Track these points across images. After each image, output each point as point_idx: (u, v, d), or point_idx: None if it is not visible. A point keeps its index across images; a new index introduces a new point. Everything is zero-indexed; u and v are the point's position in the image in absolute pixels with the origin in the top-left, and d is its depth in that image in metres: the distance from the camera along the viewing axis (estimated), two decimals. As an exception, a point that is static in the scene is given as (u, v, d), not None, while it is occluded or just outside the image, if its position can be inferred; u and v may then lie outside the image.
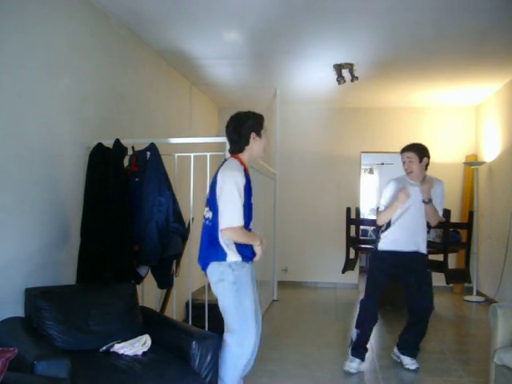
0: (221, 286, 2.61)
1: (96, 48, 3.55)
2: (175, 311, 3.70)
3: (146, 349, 2.56)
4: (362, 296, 3.70)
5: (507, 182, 5.58)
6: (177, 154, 3.55)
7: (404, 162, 3.52)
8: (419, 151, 3.48)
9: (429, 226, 3.68)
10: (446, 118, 6.94)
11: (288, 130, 6.75)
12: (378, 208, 3.71)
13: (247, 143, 2.66)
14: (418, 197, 3.44)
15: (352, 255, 6.03)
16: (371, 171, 10.04)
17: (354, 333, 3.60)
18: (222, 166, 2.68)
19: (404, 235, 3.50)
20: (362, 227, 6.58)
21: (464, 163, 6.75)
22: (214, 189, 2.61)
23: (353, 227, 6.04)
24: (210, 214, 2.63)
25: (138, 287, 3.27)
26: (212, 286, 2.67)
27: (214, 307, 2.75)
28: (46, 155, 2.95)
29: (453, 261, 6.33)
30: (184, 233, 3.32)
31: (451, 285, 6.45)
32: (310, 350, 4.03)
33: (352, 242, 5.94)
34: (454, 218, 6.27)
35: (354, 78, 5.07)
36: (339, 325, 4.98)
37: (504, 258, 5.52)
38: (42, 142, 2.90)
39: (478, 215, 6.33)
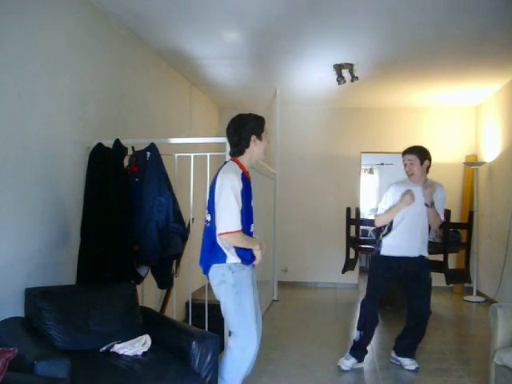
0: (222, 288, 2.61)
1: (96, 48, 3.55)
2: (175, 311, 3.70)
3: (145, 349, 2.57)
4: (362, 297, 3.71)
5: (507, 182, 5.58)
6: (177, 154, 3.55)
7: (405, 165, 3.52)
8: (420, 153, 3.47)
9: (429, 227, 3.68)
10: (446, 118, 6.94)
11: (288, 130, 6.75)
12: (376, 210, 3.70)
13: (247, 146, 2.66)
14: (419, 200, 3.44)
15: (352, 255, 6.03)
16: (371, 171, 10.03)
17: (356, 334, 3.60)
18: (221, 168, 2.68)
19: (406, 240, 3.49)
20: (362, 227, 6.57)
21: (464, 163, 6.75)
22: (213, 192, 2.61)
23: (353, 227, 6.04)
24: (209, 217, 2.64)
25: (138, 287, 3.27)
26: (214, 288, 2.67)
27: (214, 307, 2.76)
28: (46, 155, 2.95)
29: (453, 261, 6.33)
30: (184, 233, 3.32)
31: (451, 285, 6.45)
32: (310, 350, 4.03)
33: (352, 242, 5.94)
34: (454, 217, 6.27)
35: (353, 78, 5.07)
36: (339, 325, 4.98)
37: (504, 257, 5.52)
38: (42, 142, 2.90)
39: (478, 215, 6.33)
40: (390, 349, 3.86)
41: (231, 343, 2.63)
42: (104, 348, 2.56)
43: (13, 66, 2.65)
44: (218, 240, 2.57)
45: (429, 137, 6.51)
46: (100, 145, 3.12)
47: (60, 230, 3.09)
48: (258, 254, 2.65)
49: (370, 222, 6.19)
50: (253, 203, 2.73)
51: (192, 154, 3.53)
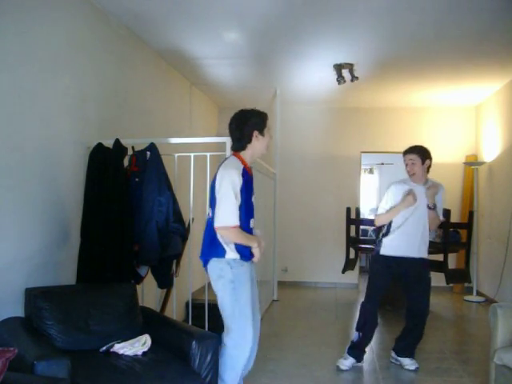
0: (220, 283, 2.63)
1: (96, 48, 3.55)
2: (175, 311, 3.70)
3: (145, 349, 2.56)
4: (362, 297, 3.71)
5: (507, 182, 5.58)
6: (177, 154, 3.55)
7: (406, 165, 3.52)
8: (421, 153, 3.48)
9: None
10: (446, 118, 6.94)
11: (288, 130, 6.75)
12: (377, 209, 3.70)
13: (249, 141, 2.66)
14: (422, 200, 3.45)
15: (352, 255, 6.03)
16: (371, 171, 10.03)
17: (354, 335, 3.60)
18: (222, 164, 2.69)
19: (406, 241, 3.49)
20: (362, 227, 6.57)
21: (464, 163, 6.75)
22: (214, 187, 2.63)
23: (353, 227, 6.05)
24: (211, 212, 2.66)
25: (138, 287, 3.27)
26: (212, 282, 2.68)
27: (214, 307, 2.75)
28: (46, 155, 2.95)
29: (453, 261, 6.33)
30: (184, 233, 3.32)
31: (451, 285, 6.45)
32: (310, 349, 4.03)
33: (352, 241, 5.94)
34: (454, 217, 6.27)
35: (353, 77, 5.07)
36: (339, 325, 4.98)
37: (504, 257, 5.52)
38: (41, 142, 2.90)
39: (478, 215, 6.33)
40: (389, 349, 3.86)
41: (226, 340, 2.63)
42: (104, 348, 2.56)
43: (13, 65, 2.65)
44: (218, 235, 2.59)
45: (429, 137, 6.50)
46: (100, 145, 3.12)
47: (60, 230, 3.09)
48: (255, 251, 2.64)
49: (370, 222, 6.19)
50: (254, 200, 2.73)
51: (192, 154, 3.53)
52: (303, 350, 4.03)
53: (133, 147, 3.34)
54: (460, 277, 5.90)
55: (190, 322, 3.67)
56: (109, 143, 3.16)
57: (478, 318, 5.50)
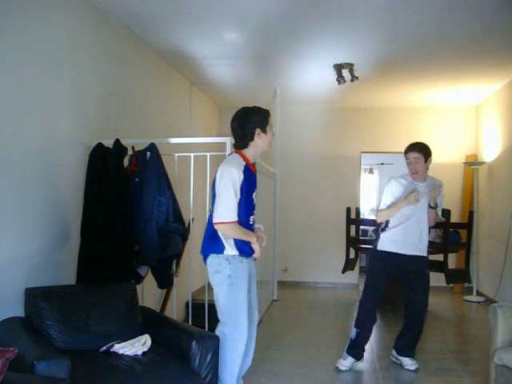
0: (217, 278, 2.65)
1: (96, 48, 3.55)
2: (175, 311, 3.70)
3: (145, 349, 2.56)
4: (361, 295, 3.71)
5: (507, 182, 5.58)
6: (177, 154, 3.55)
7: (409, 163, 3.50)
8: (424, 151, 3.48)
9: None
10: (446, 118, 6.94)
11: (288, 130, 6.75)
12: (378, 206, 3.70)
13: (252, 139, 2.66)
14: (423, 198, 3.46)
15: (352, 255, 6.03)
16: (371, 171, 10.03)
17: (353, 331, 3.61)
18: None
19: (405, 237, 3.49)
20: (362, 227, 6.57)
21: (464, 163, 6.75)
22: (215, 183, 2.64)
23: (353, 227, 6.04)
24: (212, 207, 2.67)
25: (138, 287, 3.27)
26: (209, 277, 2.70)
27: (214, 307, 2.76)
28: (46, 155, 2.95)
29: (453, 261, 6.33)
30: (184, 233, 3.32)
31: (451, 285, 6.45)
32: (310, 350, 4.03)
33: (352, 241, 5.94)
34: (454, 218, 6.27)
35: (354, 77, 5.07)
36: (339, 325, 4.97)
37: (504, 257, 5.52)
38: (41, 142, 2.90)
39: (478, 215, 6.33)
40: (389, 349, 3.86)
41: (217, 332, 2.65)
42: (104, 348, 2.56)
43: (13, 65, 2.65)
44: (218, 231, 2.60)
45: (429, 137, 6.46)
46: (100, 145, 3.12)
47: (60, 230, 3.09)
48: (255, 246, 2.66)
49: (370, 222, 6.20)
50: (255, 196, 2.74)
51: (192, 154, 3.53)
52: (303, 349, 4.03)
53: (133, 147, 3.34)
54: (460, 277, 5.89)
55: (190, 322, 3.67)
56: (109, 143, 3.16)
57: (478, 318, 5.50)
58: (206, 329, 3.38)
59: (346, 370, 3.54)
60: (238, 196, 2.56)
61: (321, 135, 7.19)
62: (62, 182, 3.12)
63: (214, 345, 2.50)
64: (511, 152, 5.54)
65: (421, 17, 3.72)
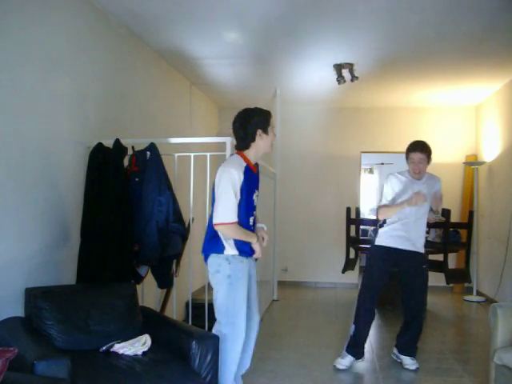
0: (216, 277, 2.66)
1: (96, 48, 3.55)
2: (175, 311, 3.70)
3: (145, 349, 2.56)
4: (359, 292, 3.72)
5: (507, 182, 5.58)
6: (177, 154, 3.55)
7: (413, 163, 3.48)
8: (428, 151, 3.48)
9: (428, 226, 3.71)
10: (446, 118, 6.94)
11: (288, 130, 6.75)
12: (379, 202, 3.70)
13: (253, 140, 2.67)
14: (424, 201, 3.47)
15: (352, 255, 6.03)
16: (371, 171, 10.04)
17: (351, 328, 3.62)
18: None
19: (404, 233, 3.51)
20: (361, 227, 6.57)
21: (464, 163, 6.75)
22: (215, 184, 2.65)
23: (353, 227, 6.04)
24: (212, 208, 2.68)
25: (138, 287, 3.27)
26: (210, 276, 2.71)
27: (214, 307, 2.76)
28: (46, 155, 2.95)
29: (453, 261, 6.33)
30: (184, 233, 3.32)
31: (451, 285, 6.45)
32: (310, 350, 4.03)
33: (352, 241, 5.94)
34: (454, 217, 6.27)
35: (354, 77, 5.07)
36: (339, 325, 4.97)
37: (504, 257, 5.52)
38: (41, 142, 2.90)
39: (478, 215, 6.33)
40: (389, 348, 3.86)
41: (214, 331, 2.66)
42: (104, 348, 2.56)
43: (13, 65, 2.65)
44: (219, 231, 2.62)
45: (429, 137, 6.39)
46: (100, 145, 3.12)
47: (60, 230, 3.09)
48: (255, 247, 2.67)
49: (370, 222, 6.20)
50: (255, 197, 2.74)
51: (192, 154, 3.53)
52: (303, 349, 4.03)
53: (133, 147, 3.34)
54: (460, 277, 5.89)
55: (190, 322, 3.67)
56: (109, 143, 3.16)
57: (478, 318, 5.50)
58: (206, 329, 3.38)
59: (345, 369, 3.54)
60: (238, 197, 2.57)
61: (321, 135, 7.19)
62: (61, 182, 3.12)
63: (214, 345, 2.50)
64: (511, 152, 5.54)
65: (421, 17, 3.72)
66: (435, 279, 5.79)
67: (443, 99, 6.49)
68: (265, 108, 2.76)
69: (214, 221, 2.57)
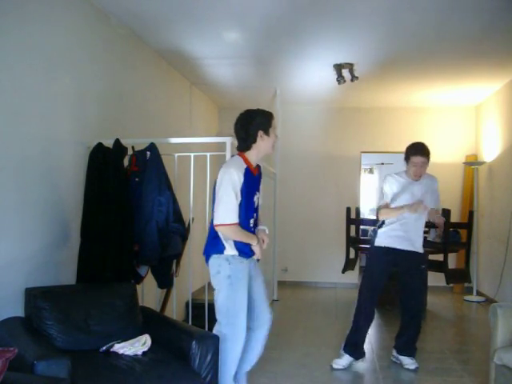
0: (217, 278, 2.66)
1: (96, 48, 3.55)
2: (175, 311, 3.70)
3: (145, 349, 2.56)
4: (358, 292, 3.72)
5: (507, 182, 5.58)
6: (177, 154, 3.55)
7: (414, 166, 3.46)
8: (429, 154, 3.48)
9: (428, 226, 3.72)
10: (446, 118, 6.94)
11: (288, 130, 6.74)
12: (379, 202, 3.71)
13: (254, 141, 2.66)
14: (419, 195, 3.49)
15: (352, 255, 6.03)
16: (371, 171, 10.04)
17: (351, 327, 3.63)
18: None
19: (403, 233, 3.52)
20: (361, 227, 6.57)
21: (464, 163, 6.75)
22: (215, 185, 2.66)
23: (353, 227, 6.04)
24: (212, 210, 2.68)
25: (138, 287, 3.27)
26: (211, 277, 2.72)
27: (214, 307, 2.76)
28: (46, 155, 2.95)
29: (453, 261, 6.33)
30: (184, 233, 3.32)
31: (451, 285, 6.45)
32: (310, 349, 4.03)
33: (352, 241, 5.94)
34: (454, 217, 6.27)
35: (354, 77, 5.07)
36: (339, 325, 4.97)
37: (504, 257, 5.52)
38: (42, 142, 2.90)
39: (478, 215, 6.33)
40: (389, 348, 3.86)
41: (215, 332, 2.66)
42: (104, 348, 2.56)
43: (13, 65, 2.65)
44: (219, 232, 2.62)
45: (429, 137, 6.47)
46: (100, 145, 3.12)
47: (60, 230, 3.09)
48: (255, 248, 2.68)
49: (370, 222, 6.20)
50: (256, 199, 2.74)
51: (192, 154, 3.53)
52: (303, 349, 4.03)
53: (133, 147, 3.34)
54: (460, 277, 5.89)
55: (190, 322, 3.67)
56: (109, 143, 3.16)
57: (478, 318, 5.50)
58: (206, 329, 3.38)
59: (343, 369, 3.54)
60: (239, 198, 2.57)
61: (321, 135, 7.18)
62: (62, 182, 3.12)
63: (214, 345, 2.50)
64: (511, 152, 5.54)
65: (421, 17, 3.72)
66: (435, 279, 5.81)
67: (443, 99, 6.49)
68: (266, 109, 2.76)
69: (215, 221, 2.58)
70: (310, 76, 5.47)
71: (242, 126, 2.66)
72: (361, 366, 3.65)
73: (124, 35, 3.99)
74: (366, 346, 3.71)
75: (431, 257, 5.07)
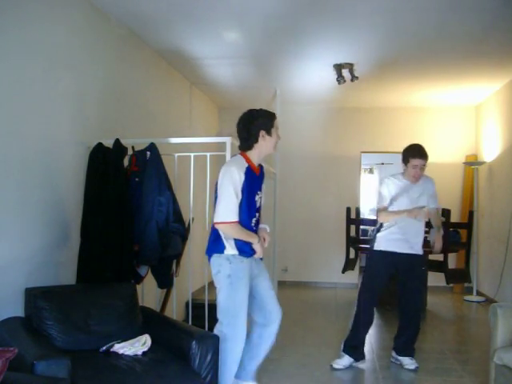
0: (218, 278, 2.68)
1: (96, 48, 3.55)
2: (175, 311, 3.70)
3: (145, 349, 2.56)
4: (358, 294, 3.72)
5: (507, 182, 5.58)
6: (177, 154, 3.54)
7: (414, 168, 3.45)
8: (427, 157, 3.48)
9: (428, 226, 3.72)
10: (446, 118, 6.94)
11: (288, 130, 6.70)
12: (379, 205, 3.70)
13: (256, 141, 2.67)
14: (416, 197, 3.49)
15: (352, 255, 6.03)
16: (371, 171, 10.03)
17: (350, 328, 3.63)
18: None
19: (401, 236, 3.51)
20: (361, 227, 6.58)
21: (464, 163, 6.75)
22: (217, 185, 2.66)
23: (353, 227, 6.05)
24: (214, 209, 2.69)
25: (138, 287, 3.27)
26: (213, 277, 2.73)
27: (214, 307, 2.76)
28: (46, 155, 2.95)
29: (453, 261, 6.33)
30: (184, 233, 3.32)
31: (451, 285, 6.45)
32: (310, 350, 4.03)
33: (352, 241, 5.94)
34: (454, 217, 6.27)
35: (354, 77, 5.07)
36: (339, 325, 4.97)
37: (504, 257, 5.52)
38: (42, 142, 2.90)
39: (478, 215, 6.33)
40: (389, 349, 3.86)
41: (216, 331, 2.67)
42: (104, 348, 2.56)
43: (13, 65, 2.65)
44: (220, 231, 2.63)
45: (429, 137, 6.50)
46: (100, 145, 3.12)
47: (60, 230, 3.08)
48: (256, 247, 2.68)
49: (370, 222, 6.20)
50: (258, 199, 2.74)
51: (192, 154, 3.53)
52: (303, 350, 4.03)
53: (133, 147, 3.34)
54: (460, 277, 5.90)
55: (190, 322, 3.66)
56: (109, 143, 3.16)
57: (478, 318, 5.50)
58: (206, 329, 3.38)
59: (342, 369, 3.54)
60: (240, 197, 2.57)
61: (321, 135, 7.18)
62: (62, 182, 3.12)
63: (214, 345, 2.50)
64: (511, 152, 5.54)
65: (421, 16, 3.72)
66: (435, 279, 5.82)
67: (443, 99, 6.49)
68: (265, 108, 2.77)
69: (215, 219, 2.59)
70: (310, 76, 5.47)
71: (244, 125, 2.67)
72: (361, 366, 3.65)
73: (124, 35, 3.99)
74: (366, 346, 3.71)
75: (431, 257, 5.07)
